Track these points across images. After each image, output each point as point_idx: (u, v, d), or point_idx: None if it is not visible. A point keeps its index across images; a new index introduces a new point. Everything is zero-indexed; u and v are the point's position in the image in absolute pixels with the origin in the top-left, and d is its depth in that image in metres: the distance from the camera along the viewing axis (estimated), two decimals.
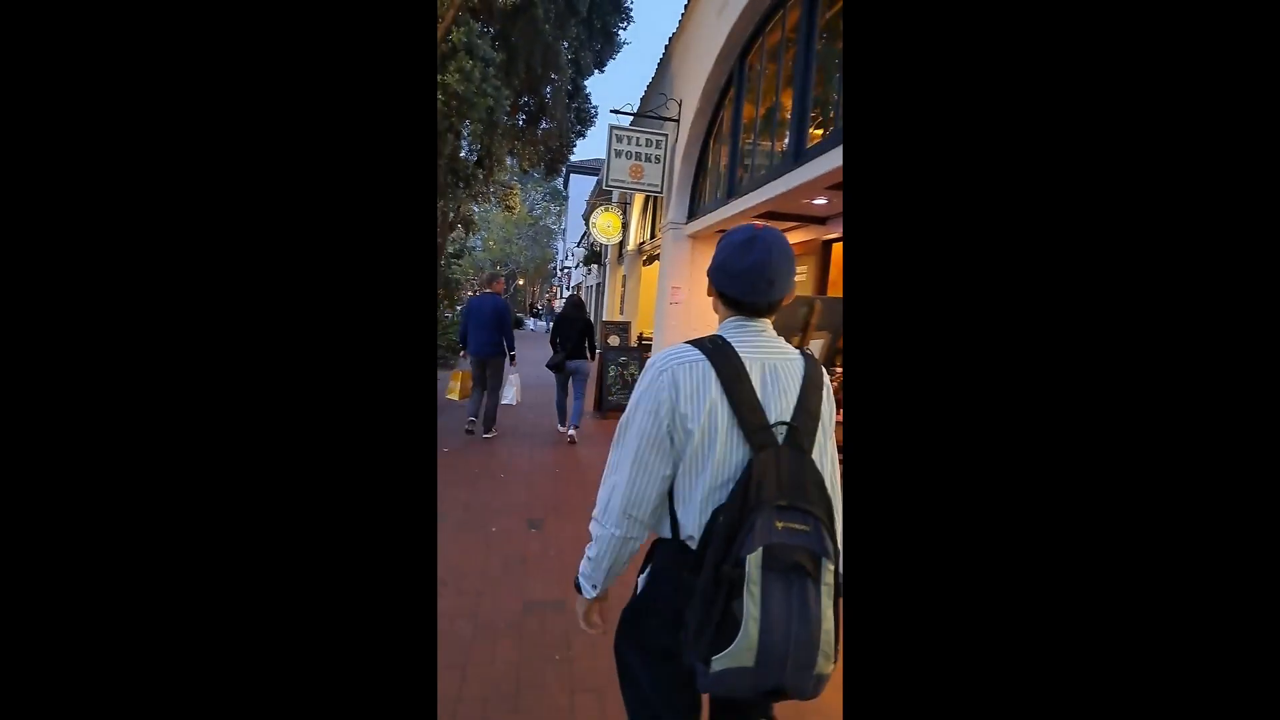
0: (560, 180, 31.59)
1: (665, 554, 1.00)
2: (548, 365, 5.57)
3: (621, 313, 11.35)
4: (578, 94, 12.82)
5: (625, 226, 11.20)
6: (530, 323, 27.43)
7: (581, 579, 1.05)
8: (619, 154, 7.33)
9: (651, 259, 10.38)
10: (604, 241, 11.32)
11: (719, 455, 0.92)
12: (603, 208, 11.25)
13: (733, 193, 5.87)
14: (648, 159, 7.39)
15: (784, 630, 0.84)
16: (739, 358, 0.95)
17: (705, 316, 7.89)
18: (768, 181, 4.77)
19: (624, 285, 11.44)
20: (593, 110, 13.24)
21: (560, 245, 36.02)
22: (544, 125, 12.39)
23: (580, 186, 27.80)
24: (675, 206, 7.33)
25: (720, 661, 0.85)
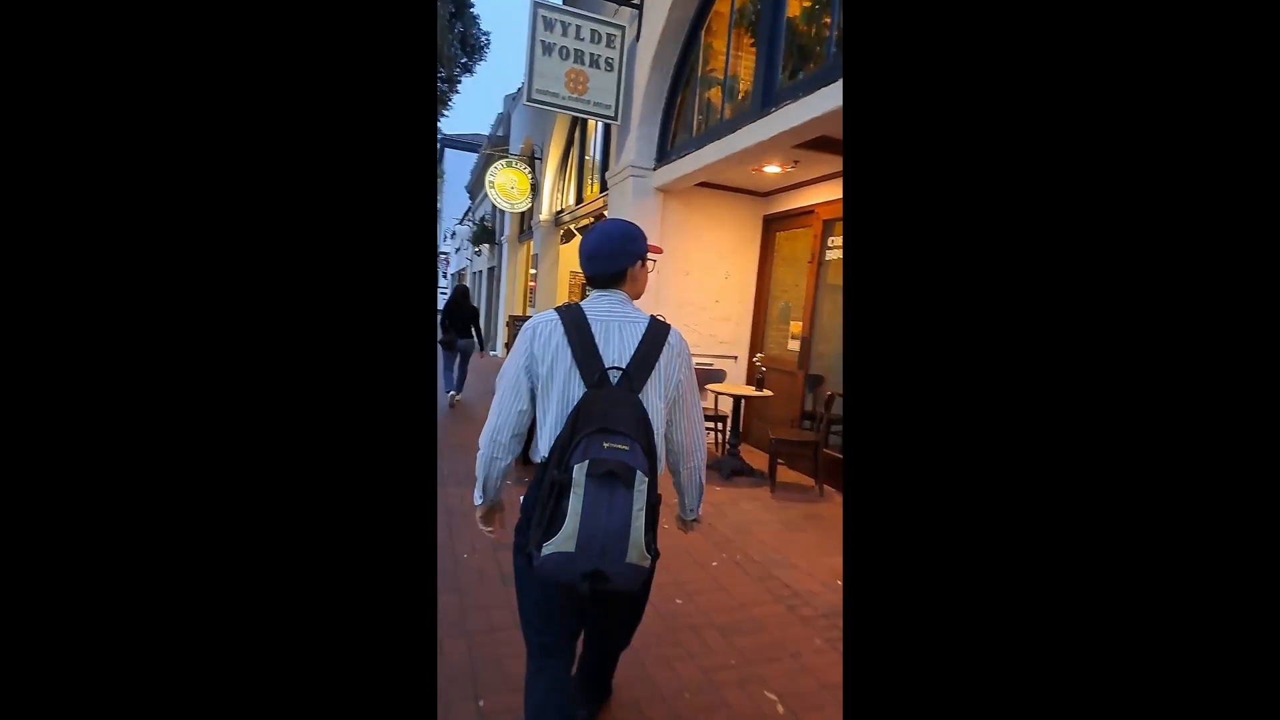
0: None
1: (535, 475, 1.20)
2: (439, 342, 5.91)
3: (533, 306, 8.49)
4: (462, 12, 9.65)
5: (535, 189, 8.34)
6: None
7: (474, 493, 1.28)
8: (548, 49, 4.56)
9: (572, 235, 7.65)
10: (506, 207, 8.37)
11: (560, 391, 1.14)
12: (504, 162, 8.28)
13: (770, 101, 3.40)
14: (594, 62, 4.70)
15: (599, 522, 1.02)
16: (585, 317, 1.17)
17: (681, 311, 4.62)
18: None
19: (533, 270, 8.56)
20: (483, 38, 10.12)
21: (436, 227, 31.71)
22: None
23: (457, 165, 23.91)
24: (638, 143, 4.73)
25: (549, 547, 1.04)
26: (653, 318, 1.22)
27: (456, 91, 9.44)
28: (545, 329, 1.17)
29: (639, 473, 1.04)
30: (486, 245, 12.71)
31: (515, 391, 1.17)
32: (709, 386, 4.18)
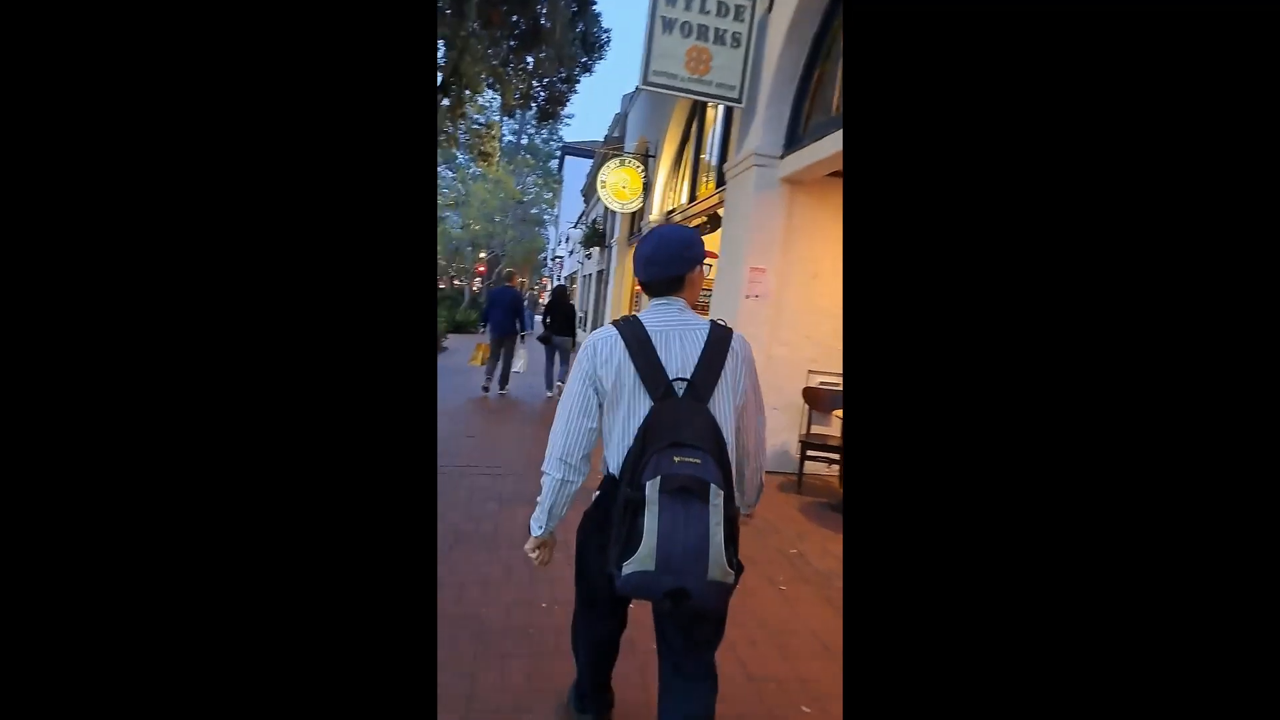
0: (556, 163, 28.56)
1: (604, 483, 1.20)
2: (538, 339, 6.66)
3: (637, 308, 8.14)
4: (584, 10, 9.58)
5: (648, 189, 7.99)
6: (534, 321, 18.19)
7: (531, 521, 1.24)
8: (668, 25, 4.12)
9: None
10: (616, 208, 8.11)
11: (627, 406, 1.13)
12: (616, 162, 8.02)
13: None
14: (719, 38, 4.19)
15: (678, 539, 0.99)
16: (645, 329, 1.15)
17: (806, 319, 4.39)
18: None
19: None
20: (604, 36, 9.98)
21: (552, 233, 32.74)
22: (541, 53, 9.22)
23: (576, 171, 24.52)
24: (764, 127, 4.15)
25: (629, 566, 1.02)
26: (713, 322, 1.18)
27: (575, 92, 9.36)
28: (605, 345, 1.14)
29: (713, 486, 1.01)
30: (597, 248, 12.63)
31: (584, 409, 1.15)
32: (836, 414, 3.50)
